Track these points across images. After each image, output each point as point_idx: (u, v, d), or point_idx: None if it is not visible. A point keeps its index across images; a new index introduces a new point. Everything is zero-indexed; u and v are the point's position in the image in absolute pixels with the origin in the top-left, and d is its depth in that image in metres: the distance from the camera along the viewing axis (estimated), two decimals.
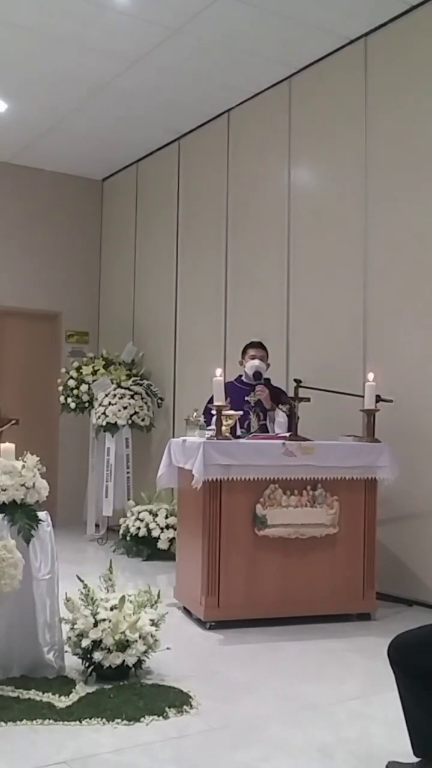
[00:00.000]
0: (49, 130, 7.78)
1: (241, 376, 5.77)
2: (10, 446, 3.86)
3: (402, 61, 5.66)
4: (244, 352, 5.82)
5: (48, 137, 7.97)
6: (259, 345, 5.81)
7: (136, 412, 7.72)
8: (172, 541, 6.58)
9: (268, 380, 5.73)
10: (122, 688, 3.51)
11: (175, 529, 6.23)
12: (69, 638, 3.68)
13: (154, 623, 3.72)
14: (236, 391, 5.48)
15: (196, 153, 7.75)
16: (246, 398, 5.53)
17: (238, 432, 5.25)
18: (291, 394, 5.27)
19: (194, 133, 7.74)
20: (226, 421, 4.87)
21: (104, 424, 7.67)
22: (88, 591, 3.77)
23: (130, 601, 3.78)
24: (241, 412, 5.25)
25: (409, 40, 5.59)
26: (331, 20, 5.68)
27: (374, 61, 5.85)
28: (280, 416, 5.45)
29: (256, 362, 5.68)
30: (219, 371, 5.00)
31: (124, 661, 3.58)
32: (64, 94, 6.96)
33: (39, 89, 6.89)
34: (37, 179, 8.87)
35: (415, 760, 2.69)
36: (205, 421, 5.16)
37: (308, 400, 5.12)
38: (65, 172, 8.98)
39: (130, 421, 7.69)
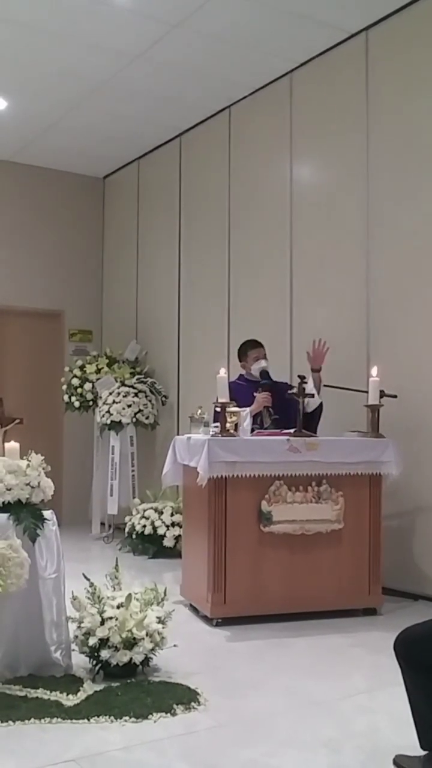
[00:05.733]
0: (49, 127, 7.78)
1: (242, 375, 5.73)
2: (14, 445, 3.86)
3: (403, 55, 5.64)
4: (244, 353, 5.75)
5: (48, 135, 7.96)
6: (260, 344, 5.74)
7: (140, 410, 7.72)
8: (177, 538, 6.59)
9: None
10: (130, 686, 3.52)
11: (180, 527, 6.24)
12: (76, 637, 3.69)
13: (160, 621, 3.73)
14: (243, 389, 5.46)
15: (198, 149, 7.74)
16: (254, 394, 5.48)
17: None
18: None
19: (195, 130, 7.73)
20: (231, 418, 4.86)
21: (109, 422, 7.67)
22: (95, 589, 3.77)
23: (137, 599, 3.78)
24: (247, 409, 5.23)
25: (411, 33, 5.58)
26: (332, 14, 5.67)
27: (375, 54, 5.83)
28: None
29: (263, 363, 5.60)
30: (222, 370, 4.99)
31: (131, 658, 3.59)
32: (64, 91, 6.96)
33: (39, 87, 6.89)
34: (37, 177, 8.86)
35: (422, 753, 2.70)
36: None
37: (312, 396, 5.11)
38: (66, 170, 8.97)
39: (134, 419, 7.70)
